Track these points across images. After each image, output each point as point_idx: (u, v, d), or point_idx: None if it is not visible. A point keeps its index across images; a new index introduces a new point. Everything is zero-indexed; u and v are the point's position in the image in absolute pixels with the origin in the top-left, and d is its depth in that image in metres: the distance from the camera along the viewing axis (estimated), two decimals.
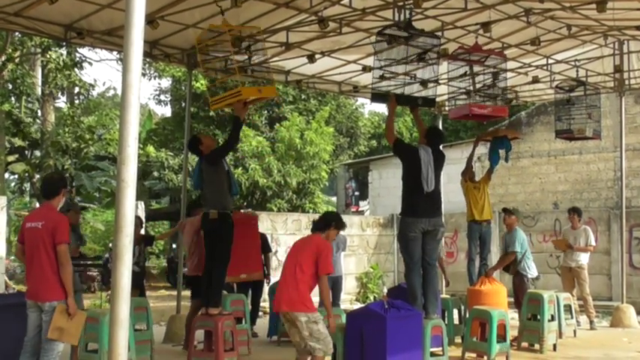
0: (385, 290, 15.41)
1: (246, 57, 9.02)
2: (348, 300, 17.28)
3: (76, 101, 28.11)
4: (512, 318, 10.69)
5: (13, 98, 21.25)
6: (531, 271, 11.04)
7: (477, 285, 10.56)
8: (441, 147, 9.07)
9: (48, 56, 21.44)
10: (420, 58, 8.67)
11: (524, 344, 10.47)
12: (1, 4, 9.15)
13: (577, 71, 11.82)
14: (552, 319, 10.57)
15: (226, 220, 8.56)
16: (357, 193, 28.60)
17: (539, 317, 10.35)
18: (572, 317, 11.80)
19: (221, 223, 8.51)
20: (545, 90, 13.39)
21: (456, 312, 11.09)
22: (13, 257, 21.52)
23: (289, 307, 6.95)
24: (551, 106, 15.78)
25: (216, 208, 8.50)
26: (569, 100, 11.70)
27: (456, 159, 20.47)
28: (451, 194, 14.68)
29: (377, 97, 9.08)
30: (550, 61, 11.87)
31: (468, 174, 11.48)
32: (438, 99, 12.02)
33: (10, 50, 20.34)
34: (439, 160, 8.76)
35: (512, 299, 11.27)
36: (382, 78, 9.08)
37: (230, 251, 8.65)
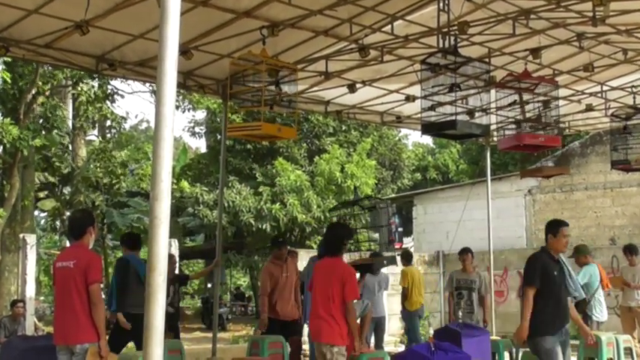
0: (431, 332, 15.25)
1: (276, 93, 9.05)
2: (392, 342, 17.11)
3: (108, 135, 28.45)
4: None
5: (43, 132, 21.49)
6: (600, 314, 10.84)
7: None
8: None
9: (79, 89, 21.73)
10: (467, 87, 8.64)
11: None
12: (31, 36, 9.21)
13: (634, 98, 11.71)
14: None
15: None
16: (400, 229, 28.38)
17: None
18: None
19: None
20: (599, 118, 13.28)
21: (507, 355, 10.95)
22: (42, 298, 21.77)
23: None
24: (606, 135, 15.62)
25: None
26: (625, 129, 11.60)
27: (504, 192, 20.35)
28: (500, 230, 14.55)
29: (428, 128, 9.04)
30: (605, 87, 11.78)
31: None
32: None
33: (40, 83, 20.70)
34: None
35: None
36: (432, 109, 8.98)
37: None
